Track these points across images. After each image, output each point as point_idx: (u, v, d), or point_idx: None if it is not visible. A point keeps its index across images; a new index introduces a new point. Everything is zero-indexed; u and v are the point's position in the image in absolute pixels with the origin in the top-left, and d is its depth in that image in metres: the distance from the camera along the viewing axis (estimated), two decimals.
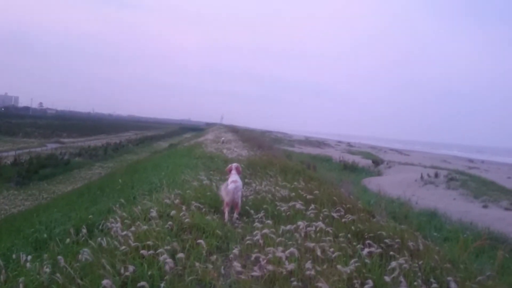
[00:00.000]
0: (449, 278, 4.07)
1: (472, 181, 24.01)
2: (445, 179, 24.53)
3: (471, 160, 64.31)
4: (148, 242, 4.37)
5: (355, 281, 3.82)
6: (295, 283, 3.66)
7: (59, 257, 4.20)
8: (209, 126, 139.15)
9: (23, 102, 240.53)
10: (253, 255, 4.37)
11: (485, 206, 18.48)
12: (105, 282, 3.45)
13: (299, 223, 5.38)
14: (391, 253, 4.72)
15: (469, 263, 5.29)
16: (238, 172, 6.95)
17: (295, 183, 8.95)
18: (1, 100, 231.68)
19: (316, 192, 7.78)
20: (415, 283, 3.92)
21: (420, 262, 4.55)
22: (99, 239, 4.78)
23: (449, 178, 24.60)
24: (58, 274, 3.90)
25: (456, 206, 18.06)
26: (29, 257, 4.70)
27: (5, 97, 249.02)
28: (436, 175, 25.61)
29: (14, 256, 5.77)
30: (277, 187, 8.32)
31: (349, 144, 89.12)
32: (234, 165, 7.15)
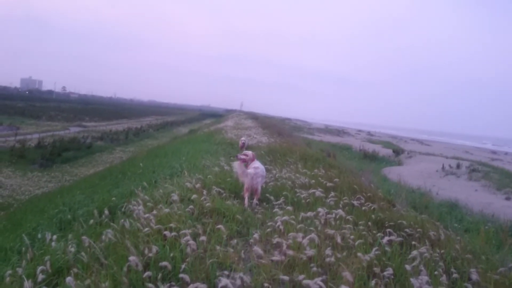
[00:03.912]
0: (471, 269, 4.03)
1: (495, 173, 23.59)
2: (467, 170, 24.15)
3: (494, 152, 63.12)
4: (170, 225, 4.44)
5: (375, 268, 3.81)
6: (314, 268, 3.67)
7: (84, 237, 4.30)
8: (229, 112, 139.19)
9: (46, 86, 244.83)
10: (273, 240, 4.39)
11: (508, 198, 18.12)
12: (131, 258, 3.54)
13: (319, 210, 5.36)
14: (413, 242, 4.70)
15: (490, 254, 5.22)
16: (244, 161, 6.71)
17: (315, 170, 8.92)
18: (26, 84, 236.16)
19: (336, 180, 7.74)
20: (436, 272, 3.89)
21: (441, 252, 4.52)
22: (122, 220, 4.88)
23: (471, 169, 24.21)
24: (83, 253, 4.01)
25: (477, 197, 17.78)
26: (55, 237, 4.82)
27: (29, 80, 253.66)
28: (458, 166, 25.24)
29: (39, 235, 5.95)
30: (297, 174, 8.30)
31: (369, 133, 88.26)
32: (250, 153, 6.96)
